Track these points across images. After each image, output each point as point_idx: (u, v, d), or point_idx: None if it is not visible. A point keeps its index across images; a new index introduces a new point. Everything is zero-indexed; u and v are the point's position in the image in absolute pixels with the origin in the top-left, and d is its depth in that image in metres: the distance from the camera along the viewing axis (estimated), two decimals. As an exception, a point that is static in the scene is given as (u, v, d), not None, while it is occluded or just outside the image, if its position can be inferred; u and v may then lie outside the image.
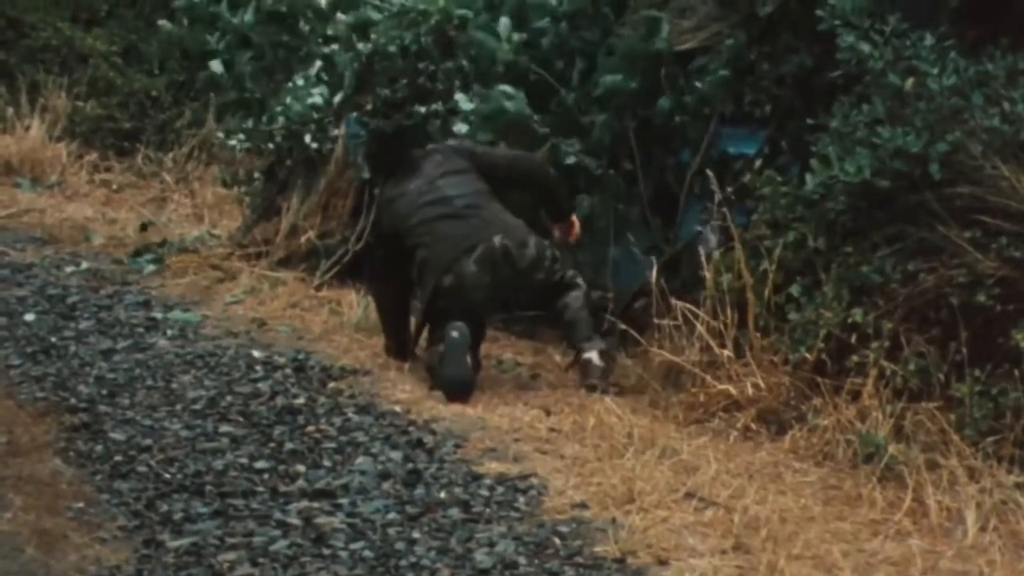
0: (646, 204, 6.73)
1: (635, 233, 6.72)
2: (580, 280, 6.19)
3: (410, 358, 6.28)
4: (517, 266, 6.03)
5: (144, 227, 9.08)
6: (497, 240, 6.01)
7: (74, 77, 12.66)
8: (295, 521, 4.35)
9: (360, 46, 7.98)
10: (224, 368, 6.10)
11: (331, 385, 5.88)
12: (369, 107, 7.83)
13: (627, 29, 6.80)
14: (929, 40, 5.28)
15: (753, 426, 5.29)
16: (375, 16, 7.98)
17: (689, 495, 4.55)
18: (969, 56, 5.26)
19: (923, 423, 4.86)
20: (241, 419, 5.40)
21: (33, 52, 12.92)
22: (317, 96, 8.19)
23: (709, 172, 6.01)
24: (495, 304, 6.26)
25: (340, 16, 8.41)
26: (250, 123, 8.61)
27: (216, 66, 8.98)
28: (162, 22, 9.72)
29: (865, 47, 5.34)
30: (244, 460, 4.92)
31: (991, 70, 5.16)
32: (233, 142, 8.80)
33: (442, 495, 4.59)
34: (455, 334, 5.83)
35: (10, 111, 12.03)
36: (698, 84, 6.48)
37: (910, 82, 5.19)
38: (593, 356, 5.94)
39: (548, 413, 5.54)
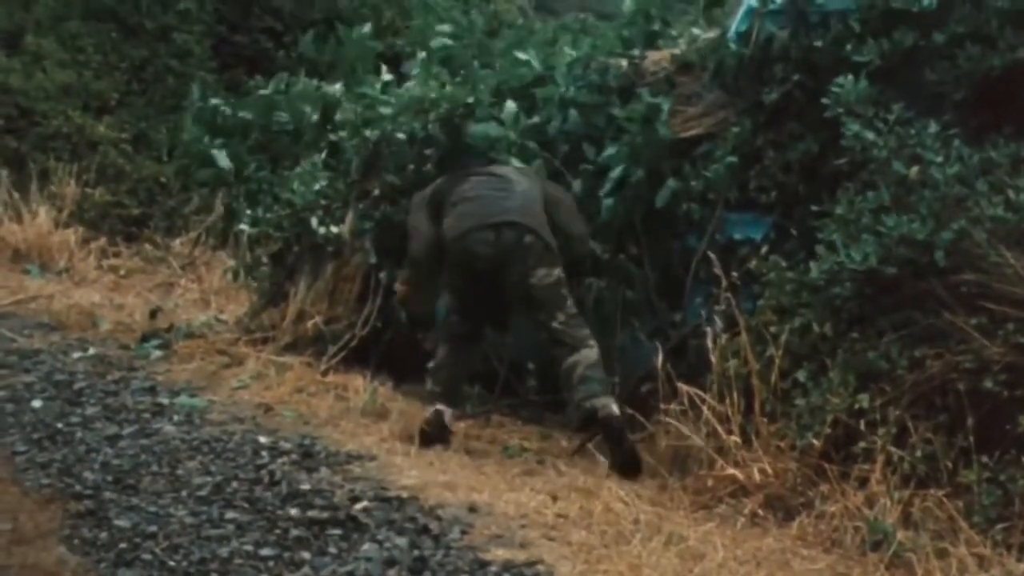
0: (652, 289, 6.76)
1: (641, 318, 6.74)
2: (593, 343, 6.21)
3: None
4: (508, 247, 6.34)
5: (153, 314, 9.09)
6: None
7: (84, 164, 12.79)
8: (300, 609, 4.32)
9: (367, 132, 8.05)
10: (230, 454, 6.08)
11: (337, 470, 5.86)
12: (376, 193, 7.89)
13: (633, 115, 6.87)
14: (933, 128, 5.33)
15: (760, 512, 5.26)
16: (384, 111, 8.04)
17: (697, 582, 4.52)
18: (973, 144, 5.31)
19: (931, 510, 4.84)
20: (247, 505, 5.37)
21: (44, 140, 13.06)
22: (324, 182, 8.25)
23: (711, 255, 6.03)
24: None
25: (347, 105, 8.51)
26: (259, 211, 8.68)
27: (222, 159, 9.10)
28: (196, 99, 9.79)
29: (869, 135, 5.39)
30: (249, 547, 4.89)
31: (995, 158, 5.21)
32: (243, 226, 8.85)
33: (448, 582, 4.56)
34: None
35: (15, 196, 12.11)
36: (705, 173, 6.52)
37: (915, 170, 5.23)
38: (612, 406, 6.01)
39: (555, 499, 5.52)
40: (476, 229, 6.41)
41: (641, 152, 6.68)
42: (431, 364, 6.60)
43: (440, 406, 6.42)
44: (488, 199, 6.51)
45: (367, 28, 9.40)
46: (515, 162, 6.98)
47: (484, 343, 6.82)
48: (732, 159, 6.39)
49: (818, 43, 6.14)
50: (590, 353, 6.15)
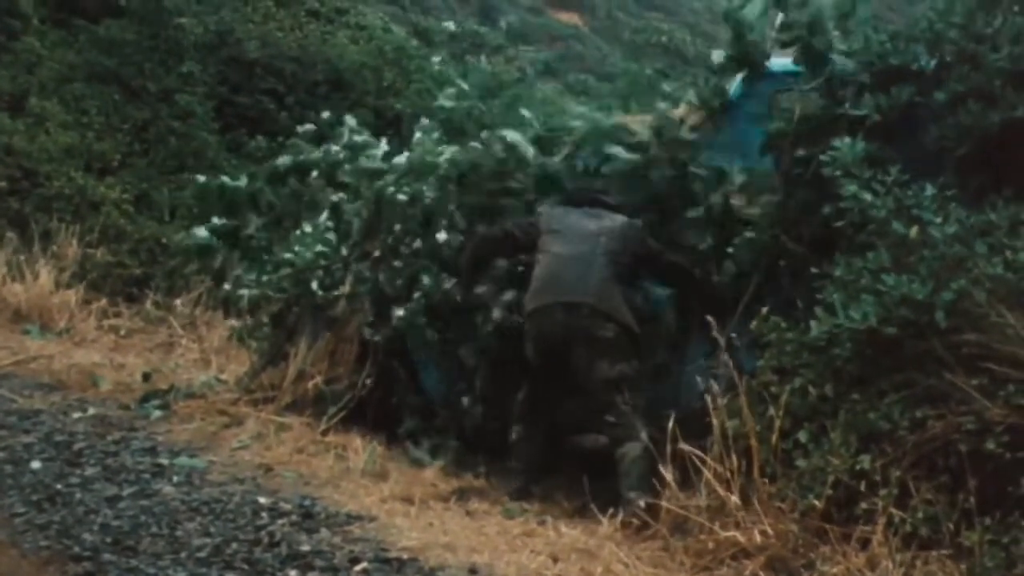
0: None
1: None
2: (637, 434, 6.30)
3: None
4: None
5: (147, 377, 9.09)
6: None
7: (86, 225, 12.83)
8: (300, 672, 4.29)
9: (369, 195, 8.08)
10: (230, 515, 6.06)
11: (337, 531, 5.84)
12: (376, 254, 7.90)
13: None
14: (930, 190, 5.36)
15: (762, 574, 5.24)
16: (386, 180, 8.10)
17: (698, 646, 4.50)
18: (972, 206, 5.33)
19: (934, 572, 4.82)
20: (246, 567, 5.35)
21: (47, 201, 13.12)
22: (324, 245, 8.27)
23: (710, 319, 6.04)
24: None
25: (348, 167, 8.57)
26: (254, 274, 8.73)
27: (200, 232, 9.20)
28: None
29: (867, 196, 5.42)
30: (249, 609, 4.87)
31: (994, 219, 5.22)
32: (243, 291, 8.87)
33: (448, 645, 4.53)
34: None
35: (18, 256, 12.14)
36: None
37: (914, 230, 5.24)
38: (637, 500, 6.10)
39: (555, 560, 5.49)
40: (549, 307, 6.54)
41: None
42: (512, 438, 6.78)
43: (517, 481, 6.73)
44: (566, 271, 6.57)
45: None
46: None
47: (554, 415, 6.86)
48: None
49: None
50: (635, 447, 6.27)
